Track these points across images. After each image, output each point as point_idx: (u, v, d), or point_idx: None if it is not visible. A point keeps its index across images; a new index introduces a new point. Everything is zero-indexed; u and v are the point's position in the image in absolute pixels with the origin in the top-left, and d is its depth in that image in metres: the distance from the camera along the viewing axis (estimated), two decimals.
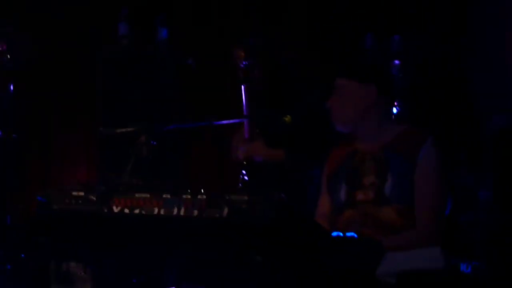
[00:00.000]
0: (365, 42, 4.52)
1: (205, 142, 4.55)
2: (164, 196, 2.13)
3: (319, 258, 2.09)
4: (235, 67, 3.50)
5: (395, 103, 3.95)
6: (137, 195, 2.19)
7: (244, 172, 3.46)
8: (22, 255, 3.89)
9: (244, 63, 3.40)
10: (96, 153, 4.61)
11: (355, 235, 2.27)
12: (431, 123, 4.25)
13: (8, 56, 3.79)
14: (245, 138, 3.48)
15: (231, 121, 3.38)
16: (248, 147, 3.45)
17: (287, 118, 3.41)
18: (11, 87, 3.97)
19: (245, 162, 3.44)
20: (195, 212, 2.03)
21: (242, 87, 3.43)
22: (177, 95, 4.57)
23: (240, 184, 3.45)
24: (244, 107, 3.45)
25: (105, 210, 2.21)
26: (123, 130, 3.10)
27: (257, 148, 3.46)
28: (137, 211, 2.17)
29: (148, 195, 2.17)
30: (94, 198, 2.23)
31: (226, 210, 1.98)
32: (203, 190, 2.05)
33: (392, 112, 3.12)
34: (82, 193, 2.27)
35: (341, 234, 2.29)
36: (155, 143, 3.03)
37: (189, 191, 2.07)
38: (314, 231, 2.13)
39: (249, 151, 3.45)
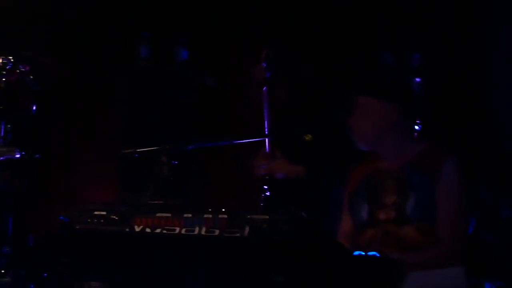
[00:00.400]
0: (386, 60, 4.52)
1: (226, 161, 4.56)
2: (185, 215, 2.12)
3: (341, 277, 2.07)
4: (255, 83, 3.52)
5: (417, 121, 3.93)
6: (158, 214, 2.19)
7: (265, 187, 3.46)
8: (45, 275, 3.91)
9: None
10: (118, 173, 4.63)
11: (377, 254, 2.25)
12: (451, 140, 4.23)
13: (31, 77, 3.83)
14: (267, 155, 3.48)
15: (252, 139, 3.38)
16: (270, 164, 3.45)
17: (308, 137, 3.41)
18: (34, 108, 4.01)
19: (267, 177, 3.44)
20: (216, 232, 2.03)
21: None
22: (197, 115, 4.59)
23: (261, 204, 3.45)
24: (266, 125, 3.46)
25: (127, 230, 2.22)
26: (144, 150, 3.12)
27: (279, 165, 3.45)
28: (158, 230, 2.17)
29: (169, 215, 2.17)
30: (116, 218, 2.24)
31: (247, 229, 1.98)
32: (224, 209, 2.05)
33: (414, 130, 3.11)
34: (104, 213, 2.28)
35: (363, 253, 2.28)
36: (176, 162, 3.04)
37: (210, 210, 2.07)
38: (335, 250, 2.11)
39: (271, 168, 3.45)
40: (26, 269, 3.90)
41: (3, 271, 3.77)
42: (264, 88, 3.44)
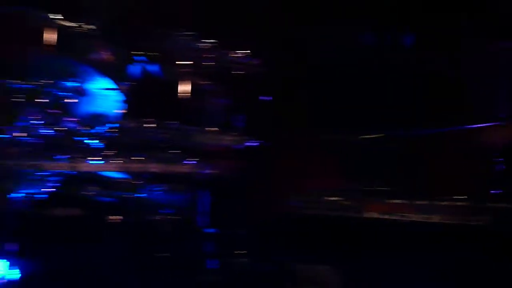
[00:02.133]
0: None
1: (452, 147, 4.38)
2: (419, 202, 2.07)
3: None
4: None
5: None
6: (390, 200, 2.16)
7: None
8: (273, 258, 4.05)
9: None
10: (343, 159, 4.65)
11: None
12: None
13: (263, 70, 3.98)
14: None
15: (482, 125, 3.20)
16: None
17: None
18: (262, 98, 4.16)
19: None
20: (455, 219, 1.95)
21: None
22: (420, 101, 4.46)
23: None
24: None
25: (358, 215, 2.22)
26: (370, 137, 3.10)
27: None
28: (390, 216, 2.14)
29: (402, 201, 2.13)
30: (349, 203, 2.25)
31: (488, 218, 1.88)
32: (464, 197, 1.97)
33: None
34: (335, 198, 2.30)
35: None
36: (402, 149, 2.98)
37: (448, 197, 2.00)
38: None
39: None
40: (256, 252, 4.07)
41: (238, 252, 3.95)
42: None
